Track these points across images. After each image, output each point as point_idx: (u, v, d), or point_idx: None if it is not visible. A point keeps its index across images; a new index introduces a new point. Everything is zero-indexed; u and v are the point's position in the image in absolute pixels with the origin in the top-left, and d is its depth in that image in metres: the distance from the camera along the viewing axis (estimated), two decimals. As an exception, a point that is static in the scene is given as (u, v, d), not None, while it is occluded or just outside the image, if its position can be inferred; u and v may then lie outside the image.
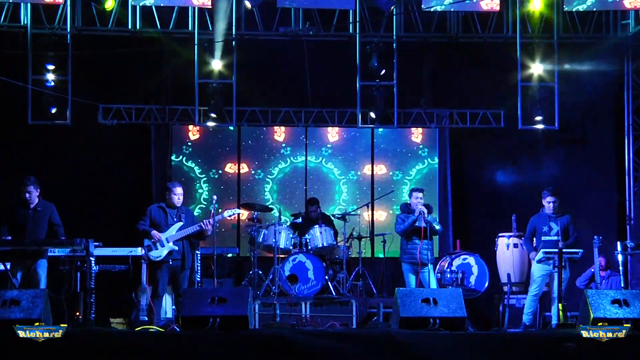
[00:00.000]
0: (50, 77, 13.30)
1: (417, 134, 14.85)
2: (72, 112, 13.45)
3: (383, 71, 13.69)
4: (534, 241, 11.32)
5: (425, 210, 11.37)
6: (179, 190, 10.88)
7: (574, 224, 11.21)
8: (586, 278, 12.45)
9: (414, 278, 11.49)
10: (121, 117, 14.07)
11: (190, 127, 14.49)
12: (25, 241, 10.20)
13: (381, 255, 13.21)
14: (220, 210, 11.40)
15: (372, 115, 13.90)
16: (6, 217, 10.34)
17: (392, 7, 13.29)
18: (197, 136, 14.62)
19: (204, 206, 14.31)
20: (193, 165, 14.57)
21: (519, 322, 11.36)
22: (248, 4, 12.78)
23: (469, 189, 14.74)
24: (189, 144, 14.55)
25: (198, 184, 14.54)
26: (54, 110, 13.35)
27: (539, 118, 13.89)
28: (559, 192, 11.29)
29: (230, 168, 14.65)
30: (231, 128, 14.48)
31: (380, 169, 14.82)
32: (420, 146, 14.82)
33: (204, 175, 14.59)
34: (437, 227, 11.61)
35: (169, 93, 14.29)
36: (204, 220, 10.78)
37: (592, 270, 12.08)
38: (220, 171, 14.62)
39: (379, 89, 13.89)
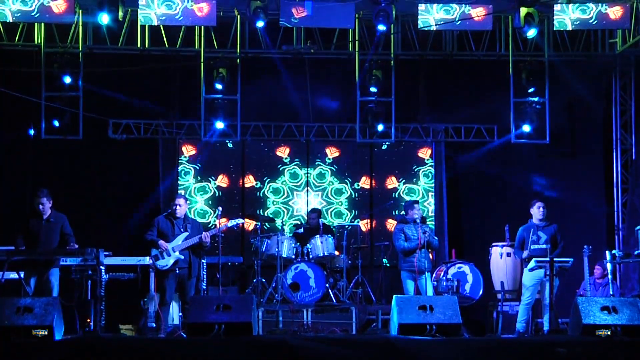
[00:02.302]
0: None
1: (424, 150, 14.83)
2: (83, 127, 13.48)
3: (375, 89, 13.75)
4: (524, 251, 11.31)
5: (421, 226, 11.30)
6: (179, 201, 10.84)
7: (560, 233, 11.21)
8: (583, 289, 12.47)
9: (412, 285, 11.46)
10: (130, 131, 14.10)
11: (188, 144, 14.51)
12: (39, 251, 10.21)
13: (380, 264, 13.22)
14: (220, 221, 11.40)
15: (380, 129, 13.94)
16: (21, 227, 10.36)
17: (391, 26, 13.27)
18: (194, 152, 14.60)
19: (199, 218, 14.26)
20: (191, 178, 14.55)
21: (512, 328, 11.34)
22: (261, 23, 12.79)
23: (464, 200, 14.74)
24: (185, 159, 14.53)
25: (196, 196, 14.53)
26: (65, 125, 13.39)
27: (530, 132, 13.92)
28: (546, 201, 11.34)
29: (221, 181, 14.62)
30: (230, 146, 14.49)
31: (392, 182, 14.82)
32: (428, 160, 14.79)
33: (201, 188, 14.57)
34: (435, 241, 11.59)
35: (176, 108, 14.31)
36: (204, 233, 10.75)
37: (590, 281, 12.08)
38: (217, 184, 14.59)
39: (377, 105, 13.94)
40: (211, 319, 8.75)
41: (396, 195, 14.67)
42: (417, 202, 11.78)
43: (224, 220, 11.46)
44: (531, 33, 12.50)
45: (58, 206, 10.59)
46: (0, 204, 13.36)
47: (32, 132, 13.41)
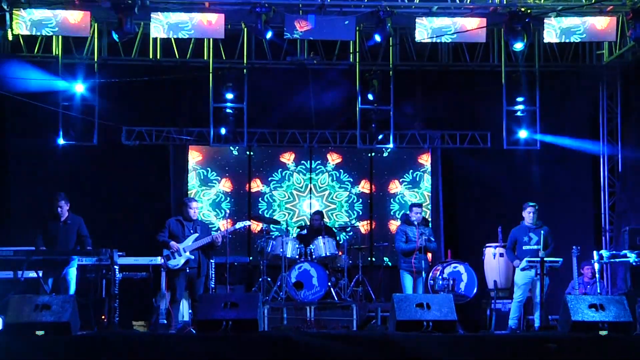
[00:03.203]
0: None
1: (425, 156, 14.82)
2: (98, 133, 13.51)
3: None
4: (515, 251, 11.32)
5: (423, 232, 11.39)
6: (194, 204, 10.93)
7: (551, 235, 11.22)
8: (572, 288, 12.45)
9: (410, 283, 11.50)
10: (142, 138, 14.12)
11: (193, 150, 14.52)
12: (56, 251, 10.24)
13: (380, 264, 13.25)
14: (226, 221, 11.44)
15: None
16: (40, 229, 10.41)
17: (390, 38, 13.24)
18: (200, 158, 14.62)
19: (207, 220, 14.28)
20: (198, 182, 14.57)
21: (505, 325, 11.35)
22: (270, 34, 12.77)
23: (460, 203, 14.74)
24: (192, 165, 14.55)
25: (203, 198, 14.54)
26: (81, 132, 13.44)
27: (522, 138, 13.92)
28: (537, 204, 11.34)
29: (225, 185, 14.63)
30: (235, 153, 14.51)
31: (395, 186, 14.82)
32: (429, 165, 14.79)
33: (206, 192, 14.58)
34: (434, 245, 11.66)
35: (186, 116, 14.33)
36: (215, 234, 10.79)
37: (579, 281, 12.07)
38: (221, 188, 14.60)
39: (377, 113, 13.95)
40: (219, 316, 8.76)
41: (397, 199, 14.69)
42: (416, 205, 11.80)
43: (239, 224, 11.46)
44: (518, 46, 12.53)
45: (74, 209, 10.63)
46: (21, 207, 13.42)
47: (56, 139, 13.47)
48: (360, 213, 14.68)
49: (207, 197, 14.57)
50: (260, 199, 14.68)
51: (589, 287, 12.49)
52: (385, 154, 14.77)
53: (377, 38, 12.63)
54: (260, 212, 14.40)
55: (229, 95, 13.73)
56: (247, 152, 14.63)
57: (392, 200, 14.73)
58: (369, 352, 8.24)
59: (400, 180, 14.80)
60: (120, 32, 12.06)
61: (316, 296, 11.93)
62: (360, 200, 14.79)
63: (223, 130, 13.82)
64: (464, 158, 14.66)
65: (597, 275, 11.64)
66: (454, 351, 8.32)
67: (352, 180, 14.83)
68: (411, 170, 14.81)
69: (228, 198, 14.59)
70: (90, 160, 13.81)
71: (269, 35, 12.53)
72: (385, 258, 13.09)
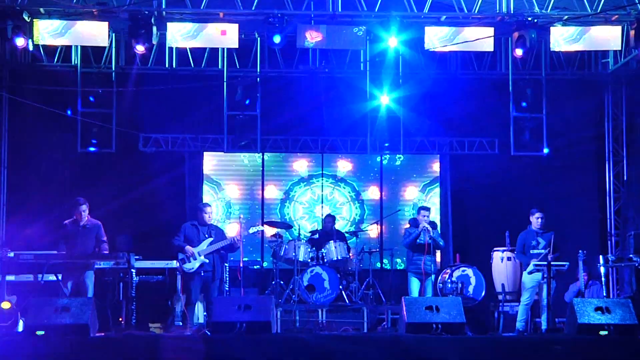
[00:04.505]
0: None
1: (437, 164, 14.80)
2: (116, 141, 13.57)
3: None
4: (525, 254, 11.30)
5: (429, 227, 11.41)
6: (209, 209, 10.96)
7: (557, 239, 11.19)
8: (573, 295, 12.38)
9: (417, 286, 11.49)
10: (159, 145, 14.18)
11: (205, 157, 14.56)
12: (75, 255, 10.28)
13: (389, 267, 13.24)
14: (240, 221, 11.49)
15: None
16: (61, 233, 10.46)
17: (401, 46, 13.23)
18: (210, 165, 14.64)
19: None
20: (209, 188, 14.61)
21: (513, 327, 11.31)
22: (277, 38, 12.74)
23: (468, 208, 14.72)
24: (206, 172, 14.61)
25: (218, 204, 14.58)
26: (100, 139, 13.50)
27: (529, 145, 13.89)
28: (545, 210, 11.32)
29: (235, 191, 14.65)
30: (246, 162, 14.53)
31: (412, 193, 14.82)
32: (438, 173, 14.81)
33: (217, 199, 14.61)
34: (441, 242, 11.68)
35: (201, 123, 14.38)
36: (234, 236, 10.83)
37: (578, 286, 12.02)
38: (231, 195, 14.62)
39: (387, 119, 13.95)
40: (233, 318, 8.78)
41: (413, 204, 14.69)
42: (424, 208, 11.78)
43: (253, 229, 11.49)
44: (519, 53, 12.52)
45: (94, 214, 10.68)
46: (42, 212, 13.47)
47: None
48: (370, 218, 14.67)
49: (218, 203, 14.58)
50: (273, 204, 14.69)
51: (586, 290, 12.46)
52: (397, 163, 14.77)
53: (393, 43, 12.60)
54: (273, 218, 14.41)
55: (247, 102, 13.74)
56: (260, 158, 14.65)
57: (406, 205, 14.69)
58: (379, 354, 8.25)
59: (416, 186, 14.79)
60: (140, 42, 12.11)
61: (328, 299, 11.93)
62: (370, 205, 14.79)
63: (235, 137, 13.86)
64: (472, 164, 14.66)
65: (602, 279, 11.60)
66: (463, 353, 8.31)
67: (362, 186, 14.83)
68: (424, 177, 14.80)
69: (239, 204, 14.61)
70: (108, 166, 13.87)
71: (277, 39, 12.50)
72: (397, 260, 13.09)
